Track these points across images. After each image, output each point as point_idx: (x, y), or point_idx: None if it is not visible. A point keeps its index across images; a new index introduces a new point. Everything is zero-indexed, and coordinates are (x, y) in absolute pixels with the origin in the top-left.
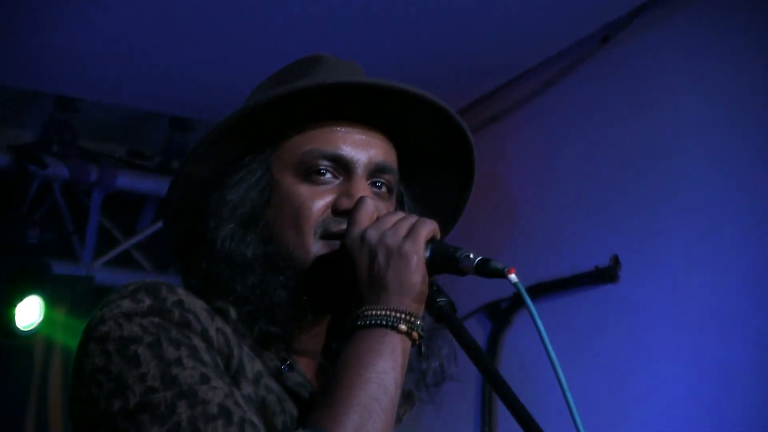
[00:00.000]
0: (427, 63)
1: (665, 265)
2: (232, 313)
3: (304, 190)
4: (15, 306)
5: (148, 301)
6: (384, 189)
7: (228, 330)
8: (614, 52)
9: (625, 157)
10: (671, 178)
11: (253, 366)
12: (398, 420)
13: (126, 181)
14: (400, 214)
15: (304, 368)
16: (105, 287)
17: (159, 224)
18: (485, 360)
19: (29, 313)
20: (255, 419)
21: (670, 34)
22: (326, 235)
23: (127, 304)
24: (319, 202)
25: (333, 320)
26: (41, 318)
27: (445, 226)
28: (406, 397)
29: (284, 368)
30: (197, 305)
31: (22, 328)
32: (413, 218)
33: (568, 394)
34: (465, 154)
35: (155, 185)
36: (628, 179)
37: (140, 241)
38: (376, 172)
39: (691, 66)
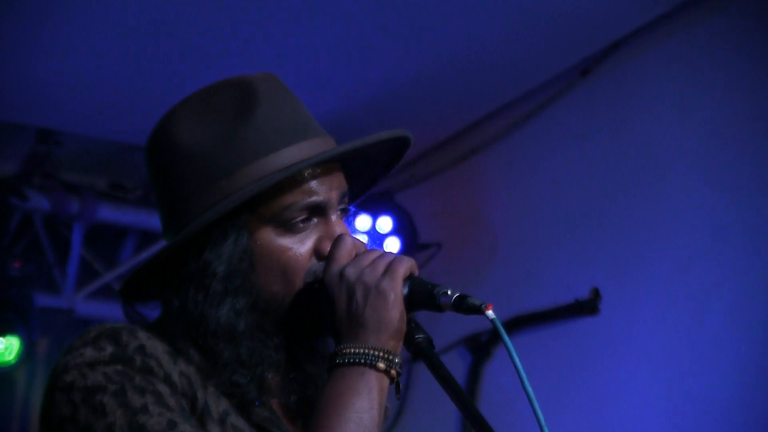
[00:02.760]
0: (406, 95)
1: (645, 298)
2: (195, 355)
3: (287, 241)
4: None
5: (110, 349)
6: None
7: (191, 371)
8: (594, 85)
9: (605, 190)
10: (651, 210)
11: (218, 406)
12: None
13: (107, 213)
14: (378, 252)
15: (272, 403)
16: (86, 319)
17: (141, 256)
18: (463, 396)
19: (10, 347)
20: None
21: (649, 67)
22: (316, 281)
23: (89, 353)
24: (303, 249)
25: (294, 353)
26: (22, 353)
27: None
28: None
29: (256, 403)
30: (158, 349)
31: (3, 363)
32: (391, 256)
33: (546, 430)
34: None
35: (137, 217)
36: (607, 212)
37: (122, 274)
38: (341, 200)
39: (670, 99)
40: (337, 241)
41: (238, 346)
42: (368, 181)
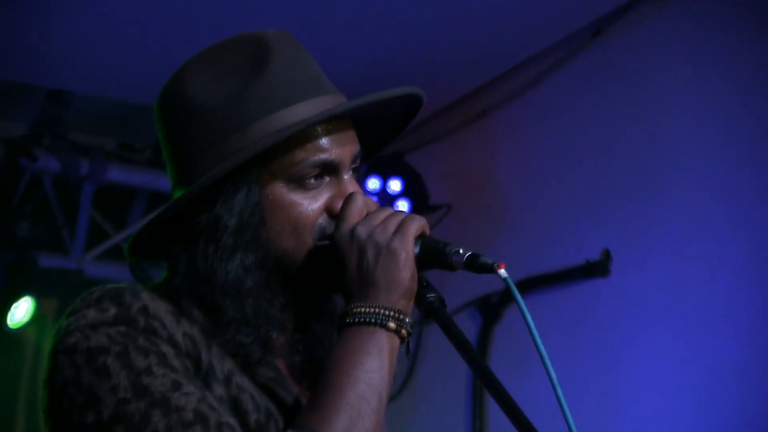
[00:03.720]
0: (417, 57)
1: (656, 260)
2: (198, 315)
3: (298, 197)
4: (7, 303)
5: (113, 310)
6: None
7: (195, 331)
8: (605, 46)
9: (616, 152)
10: (662, 172)
11: (223, 366)
12: None
13: (117, 174)
14: (390, 211)
15: (278, 363)
16: (95, 280)
17: (150, 217)
18: (475, 355)
19: (20, 309)
20: (231, 420)
21: (661, 28)
22: (324, 239)
23: (92, 314)
24: (314, 205)
25: (298, 316)
26: (31, 314)
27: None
28: None
29: (261, 363)
30: (161, 309)
31: (12, 325)
32: (402, 214)
33: (558, 389)
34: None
35: (146, 178)
36: (619, 173)
37: (131, 235)
38: (354, 161)
39: (682, 60)
40: (348, 199)
41: (244, 304)
42: (379, 141)
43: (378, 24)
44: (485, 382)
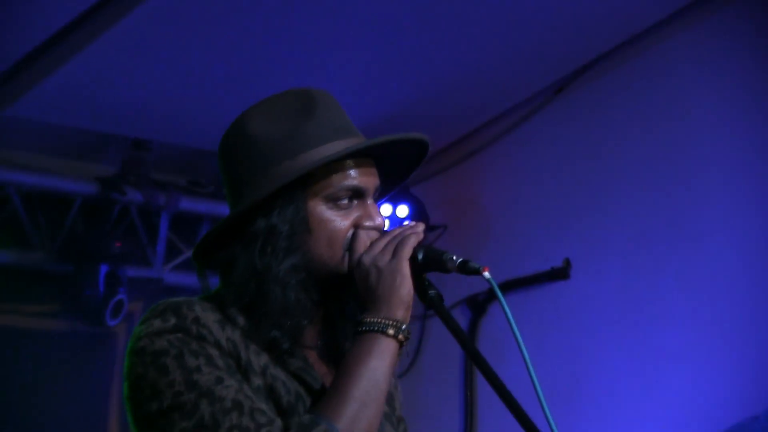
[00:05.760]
0: (418, 110)
1: (608, 266)
2: (241, 320)
3: (334, 214)
4: (105, 305)
5: (173, 320)
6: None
7: (236, 335)
8: (566, 101)
9: (575, 183)
10: (611, 198)
11: (259, 360)
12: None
13: (187, 204)
14: (387, 238)
15: (306, 355)
16: (172, 287)
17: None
18: (467, 340)
19: (116, 308)
20: (263, 406)
21: (615, 85)
22: (349, 248)
23: (157, 323)
24: (345, 221)
25: (326, 315)
26: (125, 312)
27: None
28: None
29: (291, 353)
30: (210, 319)
31: (111, 321)
32: (398, 239)
33: (532, 370)
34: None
35: (210, 207)
36: (577, 200)
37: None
38: (375, 191)
39: (635, 111)
40: (354, 236)
41: (288, 295)
42: (394, 181)
43: (378, 88)
44: (476, 362)
